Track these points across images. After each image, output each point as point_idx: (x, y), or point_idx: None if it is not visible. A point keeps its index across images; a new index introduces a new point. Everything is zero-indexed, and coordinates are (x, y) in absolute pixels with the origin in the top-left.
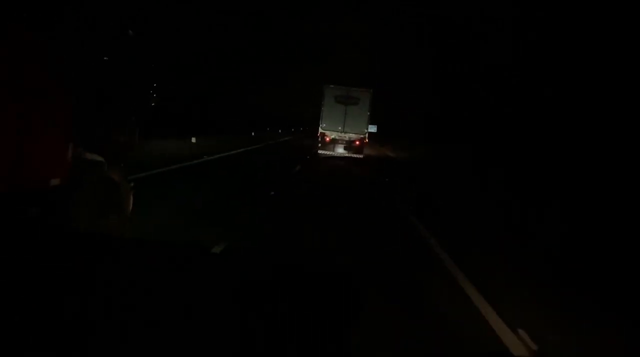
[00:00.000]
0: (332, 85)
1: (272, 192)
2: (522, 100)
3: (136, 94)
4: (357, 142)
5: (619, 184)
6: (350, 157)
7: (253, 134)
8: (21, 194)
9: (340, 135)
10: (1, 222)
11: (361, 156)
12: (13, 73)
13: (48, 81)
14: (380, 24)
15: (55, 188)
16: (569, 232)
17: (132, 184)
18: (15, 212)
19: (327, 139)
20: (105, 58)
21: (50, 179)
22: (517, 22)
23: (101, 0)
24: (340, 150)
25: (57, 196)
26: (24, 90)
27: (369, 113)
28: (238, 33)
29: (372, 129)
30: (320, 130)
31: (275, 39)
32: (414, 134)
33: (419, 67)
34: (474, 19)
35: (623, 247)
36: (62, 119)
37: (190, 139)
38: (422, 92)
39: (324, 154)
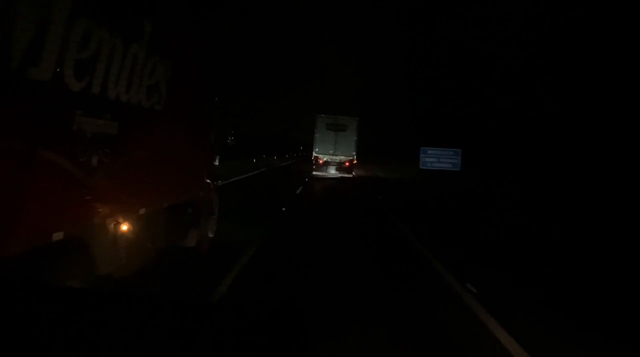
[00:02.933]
0: (323, 115)
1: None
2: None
3: (222, 138)
4: (347, 163)
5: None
6: (342, 177)
7: (254, 160)
8: (186, 202)
9: (332, 158)
10: (175, 217)
11: (351, 175)
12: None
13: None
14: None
15: (200, 197)
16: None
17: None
18: (184, 213)
19: (320, 161)
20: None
21: (199, 192)
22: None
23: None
24: (332, 171)
25: (201, 202)
26: (195, 143)
27: (356, 138)
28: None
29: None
30: (314, 154)
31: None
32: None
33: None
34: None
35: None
36: (206, 159)
37: None
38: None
39: (317, 175)
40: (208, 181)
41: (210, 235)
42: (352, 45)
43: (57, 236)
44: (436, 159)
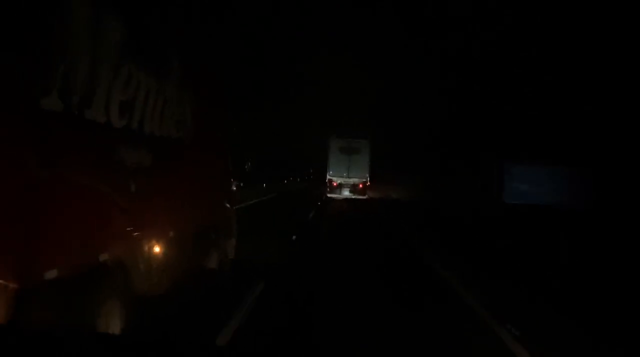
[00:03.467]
0: (336, 138)
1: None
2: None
3: (239, 165)
4: (361, 185)
5: None
6: (356, 199)
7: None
8: (209, 225)
9: (346, 180)
10: (199, 239)
11: (365, 197)
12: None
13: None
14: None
15: (220, 221)
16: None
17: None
18: (207, 236)
19: (335, 184)
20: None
21: (222, 216)
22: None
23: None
24: (346, 193)
25: (221, 225)
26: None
27: (369, 160)
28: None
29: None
30: (328, 176)
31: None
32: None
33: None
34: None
35: None
36: (225, 184)
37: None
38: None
39: (332, 196)
40: (228, 205)
41: (230, 257)
42: (360, 60)
43: (103, 256)
44: (535, 186)
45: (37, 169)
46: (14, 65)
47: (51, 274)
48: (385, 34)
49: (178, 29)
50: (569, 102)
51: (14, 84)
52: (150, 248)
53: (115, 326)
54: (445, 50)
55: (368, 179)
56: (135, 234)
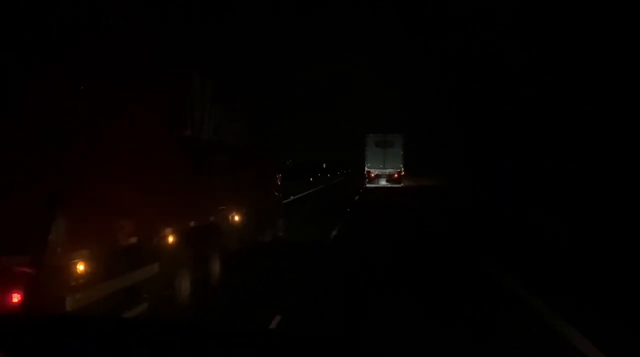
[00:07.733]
0: (372, 134)
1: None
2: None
3: (283, 162)
4: (396, 175)
5: None
6: (392, 187)
7: None
8: (264, 208)
9: (382, 171)
10: (259, 217)
11: (400, 185)
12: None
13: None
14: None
15: (271, 205)
16: None
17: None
18: (263, 215)
19: (372, 175)
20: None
21: (272, 202)
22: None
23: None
24: (383, 182)
25: (272, 208)
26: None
27: (402, 152)
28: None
29: None
30: (366, 168)
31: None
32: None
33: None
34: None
35: None
36: (274, 177)
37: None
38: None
39: (370, 186)
40: (276, 193)
41: (281, 233)
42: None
43: (212, 218)
44: None
45: (184, 169)
46: (174, 118)
47: (192, 223)
48: (386, 34)
49: (238, 79)
50: (569, 102)
51: (175, 124)
52: (233, 217)
53: (215, 265)
54: (445, 50)
55: (402, 169)
56: (225, 207)
